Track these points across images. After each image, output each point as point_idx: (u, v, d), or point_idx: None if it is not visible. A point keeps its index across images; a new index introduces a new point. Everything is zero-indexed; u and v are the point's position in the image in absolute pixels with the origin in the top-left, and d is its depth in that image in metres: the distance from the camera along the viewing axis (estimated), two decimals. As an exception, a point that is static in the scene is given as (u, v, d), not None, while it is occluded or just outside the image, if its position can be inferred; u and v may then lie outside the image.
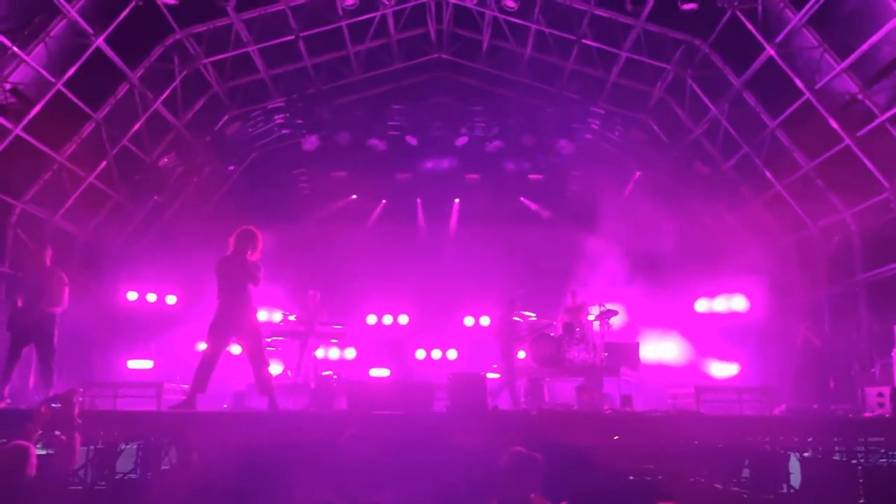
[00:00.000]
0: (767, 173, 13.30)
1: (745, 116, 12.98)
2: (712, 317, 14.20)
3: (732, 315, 14.11)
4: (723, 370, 13.24)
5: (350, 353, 13.63)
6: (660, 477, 7.02)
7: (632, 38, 12.94)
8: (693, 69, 13.06)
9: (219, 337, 7.54)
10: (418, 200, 15.67)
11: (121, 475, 7.36)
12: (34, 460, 4.86)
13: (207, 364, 7.45)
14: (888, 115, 10.49)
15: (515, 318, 11.49)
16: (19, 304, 8.56)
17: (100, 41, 10.86)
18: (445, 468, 5.18)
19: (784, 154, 12.78)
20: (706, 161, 14.08)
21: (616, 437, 6.82)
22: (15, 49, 9.82)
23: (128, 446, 7.60)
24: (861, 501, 6.99)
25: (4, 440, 5.86)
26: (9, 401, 8.32)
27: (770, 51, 11.26)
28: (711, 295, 14.33)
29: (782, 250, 14.34)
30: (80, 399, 5.55)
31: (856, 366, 11.40)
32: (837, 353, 11.29)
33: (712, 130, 13.87)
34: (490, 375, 11.01)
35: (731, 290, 14.13)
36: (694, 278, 14.04)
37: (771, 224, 14.23)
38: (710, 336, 13.43)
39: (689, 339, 13.31)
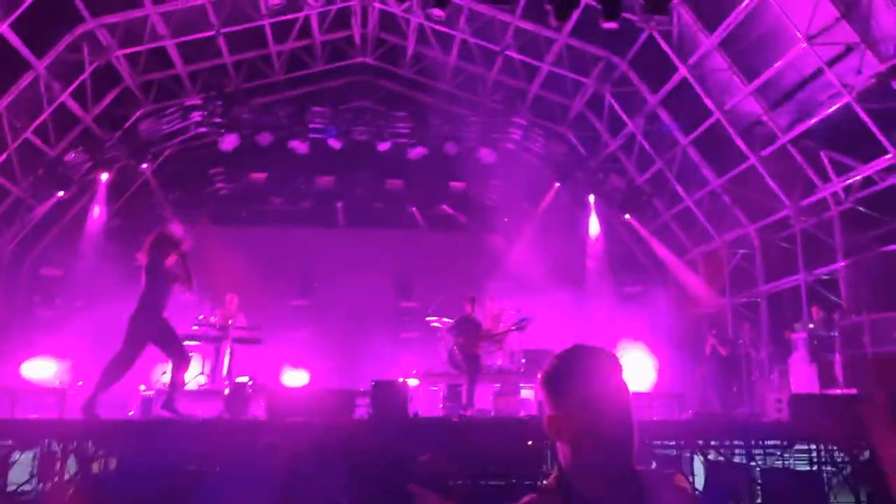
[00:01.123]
0: (678, 188, 13.88)
1: (659, 132, 13.52)
2: (624, 325, 14.63)
3: (643, 324, 14.56)
4: (638, 377, 13.66)
5: (268, 358, 13.29)
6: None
7: (554, 51, 13.26)
8: (612, 85, 13.49)
9: (136, 343, 7.32)
10: (338, 205, 15.48)
11: (14, 486, 6.92)
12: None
13: (120, 368, 7.19)
14: (789, 136, 11.14)
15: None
16: None
17: (3, 27, 10.25)
18: (366, 475, 5.13)
19: (694, 170, 13.38)
20: (621, 174, 14.57)
21: (530, 443, 6.93)
22: None
23: (21, 456, 7.17)
24: (758, 502, 7.34)
25: None
26: None
27: (683, 71, 11.76)
28: (623, 303, 14.77)
29: (690, 262, 14.99)
30: None
31: (756, 372, 12.03)
32: (740, 360, 11.86)
33: (628, 145, 14.37)
34: (410, 382, 11.00)
35: (641, 299, 14.61)
36: (607, 287, 14.46)
37: (680, 236, 14.85)
38: (621, 343, 13.82)
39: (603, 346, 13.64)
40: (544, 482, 1.76)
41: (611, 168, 14.70)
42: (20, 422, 7.71)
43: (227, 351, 11.45)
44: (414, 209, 16.06)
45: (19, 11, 10.17)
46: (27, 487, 7.00)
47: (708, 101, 11.89)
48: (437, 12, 9.35)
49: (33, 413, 8.82)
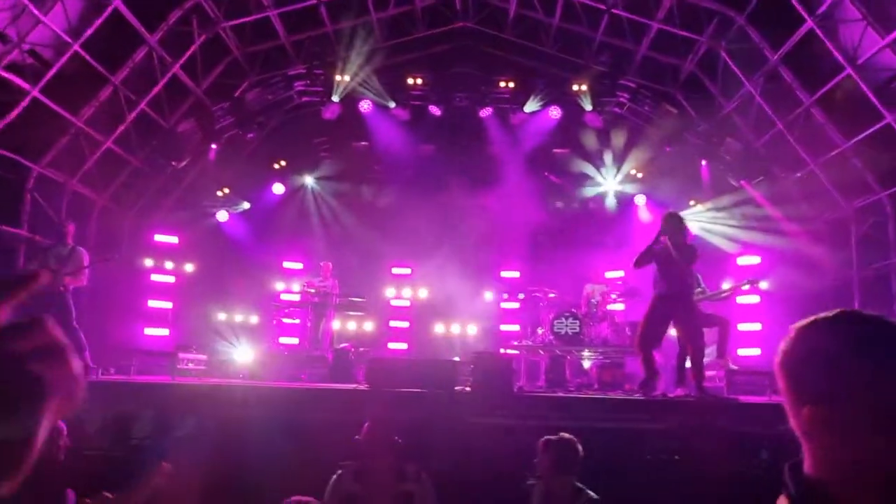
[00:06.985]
0: (801, 152, 12.84)
1: (778, 92, 12.50)
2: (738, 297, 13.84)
3: (760, 297, 13.74)
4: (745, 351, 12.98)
5: (368, 326, 13.45)
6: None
7: (665, 7, 12.48)
8: (727, 42, 12.58)
9: None
10: (440, 172, 15.10)
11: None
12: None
13: None
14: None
15: None
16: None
17: (117, 2, 10.61)
18: (469, 450, 4.98)
19: (819, 132, 12.30)
20: (737, 137, 13.63)
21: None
22: (32, 9, 9.60)
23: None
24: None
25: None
26: None
27: (810, 23, 10.76)
28: (739, 276, 13.94)
29: (814, 231, 13.87)
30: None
31: None
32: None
33: (744, 107, 13.40)
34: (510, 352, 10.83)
35: (759, 272, 13.73)
36: (724, 254, 13.76)
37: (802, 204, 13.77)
38: (734, 317, 13.06)
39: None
40: None
41: (726, 131, 13.77)
42: (139, 384, 8.09)
43: (329, 318, 11.65)
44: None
45: (132, -13, 10.49)
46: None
47: (838, 55, 10.85)
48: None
49: (149, 375, 9.27)
